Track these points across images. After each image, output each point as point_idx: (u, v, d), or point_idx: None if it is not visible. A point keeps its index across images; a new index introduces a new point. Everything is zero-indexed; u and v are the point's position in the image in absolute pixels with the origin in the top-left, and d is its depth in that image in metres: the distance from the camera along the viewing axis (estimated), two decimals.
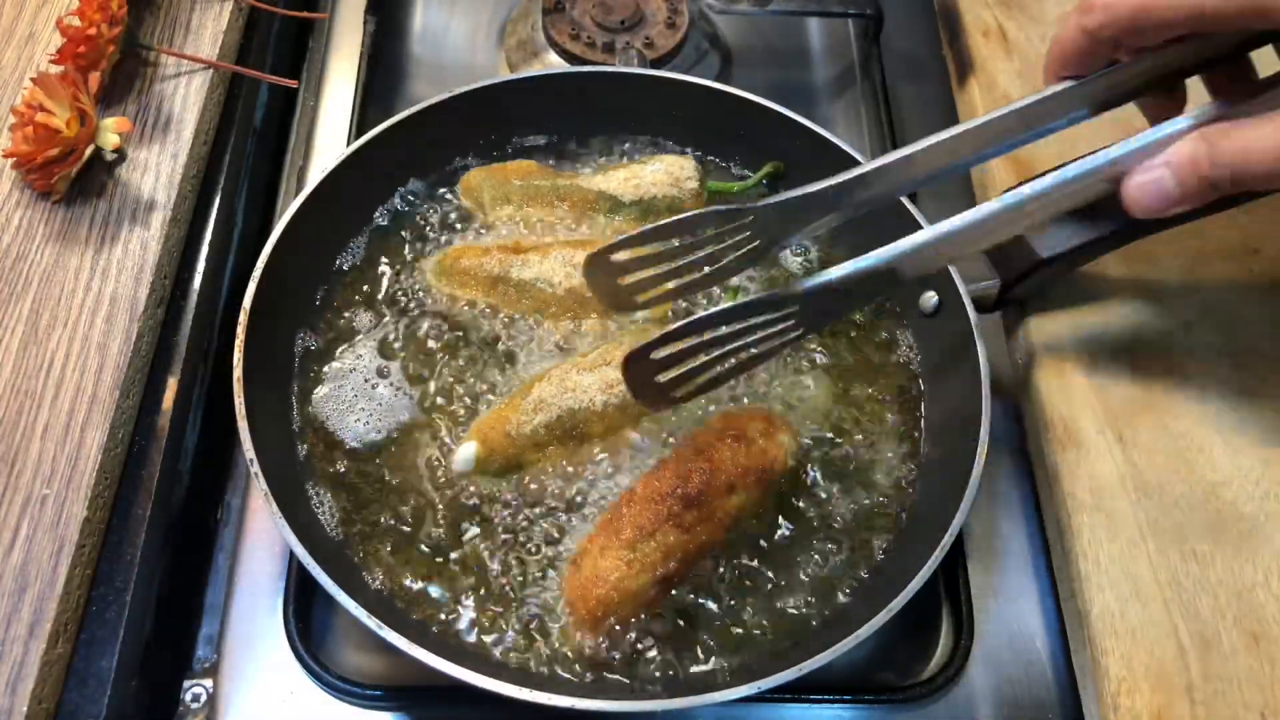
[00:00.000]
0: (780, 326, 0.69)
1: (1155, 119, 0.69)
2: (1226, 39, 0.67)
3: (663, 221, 0.69)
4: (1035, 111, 0.69)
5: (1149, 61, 0.68)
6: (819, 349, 0.84)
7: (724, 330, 0.68)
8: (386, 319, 0.84)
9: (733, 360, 0.70)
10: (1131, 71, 0.69)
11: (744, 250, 0.70)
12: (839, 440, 0.80)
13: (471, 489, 0.76)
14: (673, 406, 0.75)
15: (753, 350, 0.70)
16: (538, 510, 0.75)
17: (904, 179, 0.70)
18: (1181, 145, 0.65)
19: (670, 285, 0.72)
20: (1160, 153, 0.65)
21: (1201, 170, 0.64)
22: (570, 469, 0.77)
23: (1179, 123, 0.66)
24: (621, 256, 0.71)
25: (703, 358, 0.69)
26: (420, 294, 0.85)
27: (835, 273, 0.68)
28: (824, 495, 0.77)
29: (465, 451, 0.76)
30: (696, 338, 0.68)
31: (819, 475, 0.78)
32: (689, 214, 0.70)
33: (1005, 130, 0.70)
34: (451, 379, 0.81)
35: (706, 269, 0.71)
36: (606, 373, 0.77)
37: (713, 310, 0.71)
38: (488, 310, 0.84)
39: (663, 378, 0.69)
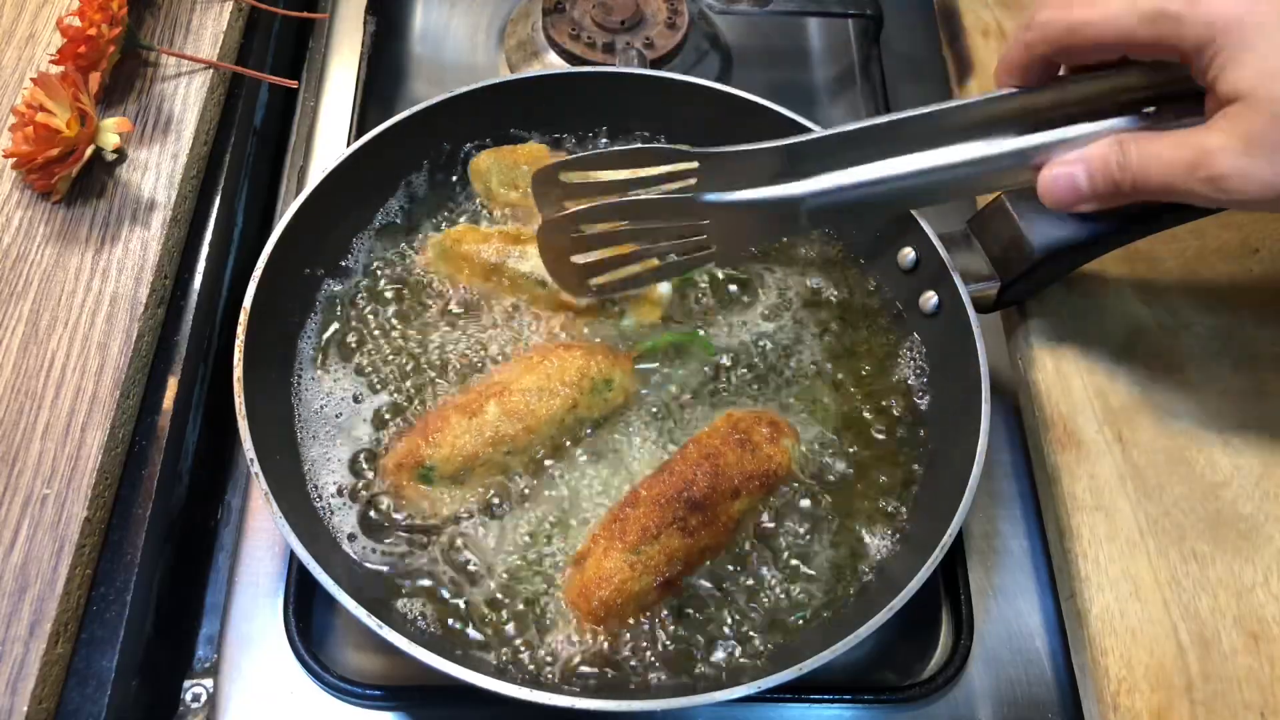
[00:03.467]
0: (695, 240, 0.78)
1: None
2: (1165, 74, 0.68)
3: (606, 151, 0.83)
4: (986, 112, 0.74)
5: (1092, 84, 0.71)
6: (820, 350, 0.84)
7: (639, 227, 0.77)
8: (384, 317, 0.84)
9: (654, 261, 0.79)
10: (1076, 90, 0.71)
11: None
12: (841, 441, 0.80)
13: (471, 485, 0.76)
14: (592, 297, 0.82)
15: (670, 257, 0.79)
16: (539, 510, 0.75)
17: (857, 161, 0.76)
18: (1099, 145, 0.68)
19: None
20: (1081, 148, 0.68)
21: (1110, 171, 0.67)
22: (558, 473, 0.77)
23: (1105, 124, 0.69)
24: (573, 178, 0.77)
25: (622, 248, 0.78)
26: (418, 295, 0.85)
27: (738, 195, 0.76)
28: (825, 496, 0.77)
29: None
30: (609, 216, 0.76)
31: (821, 476, 0.78)
32: (631, 148, 0.82)
33: (976, 122, 0.74)
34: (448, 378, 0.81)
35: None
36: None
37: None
38: (482, 304, 0.84)
39: (579, 259, 0.78)
